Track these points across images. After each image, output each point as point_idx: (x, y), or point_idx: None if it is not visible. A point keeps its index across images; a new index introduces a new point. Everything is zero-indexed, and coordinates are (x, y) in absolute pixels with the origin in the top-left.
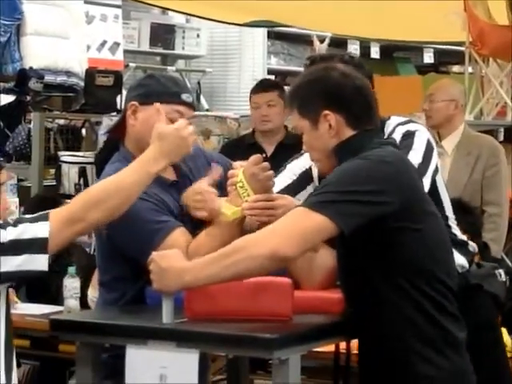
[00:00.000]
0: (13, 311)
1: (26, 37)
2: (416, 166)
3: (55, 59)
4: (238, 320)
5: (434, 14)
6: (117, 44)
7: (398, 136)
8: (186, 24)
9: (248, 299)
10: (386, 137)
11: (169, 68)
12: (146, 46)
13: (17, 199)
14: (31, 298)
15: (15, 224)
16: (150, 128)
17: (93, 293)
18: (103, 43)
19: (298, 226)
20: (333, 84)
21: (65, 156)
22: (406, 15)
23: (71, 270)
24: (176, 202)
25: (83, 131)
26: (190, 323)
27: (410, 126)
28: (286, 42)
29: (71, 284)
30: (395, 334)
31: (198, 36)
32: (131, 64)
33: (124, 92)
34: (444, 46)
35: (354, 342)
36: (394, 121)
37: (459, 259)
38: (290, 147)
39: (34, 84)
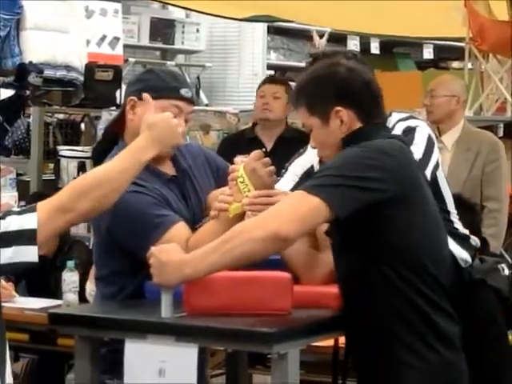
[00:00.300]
0: (11, 305)
1: (26, 31)
2: (417, 161)
3: (55, 54)
4: (237, 314)
5: (434, 10)
6: (116, 39)
7: (398, 132)
8: (186, 19)
9: (247, 293)
10: None
11: (168, 63)
12: (145, 41)
13: (16, 193)
14: (31, 292)
15: (3, 217)
16: None
17: (91, 287)
18: (103, 38)
19: (296, 208)
20: (341, 80)
21: (64, 150)
22: (405, 11)
23: (70, 263)
24: (175, 197)
25: (82, 126)
26: (189, 317)
27: (411, 122)
28: (285, 37)
29: (70, 278)
30: (383, 323)
31: (197, 31)
32: (131, 59)
33: (123, 87)
34: (444, 42)
35: None
36: (395, 117)
37: (462, 253)
38: (289, 141)
39: (33, 78)
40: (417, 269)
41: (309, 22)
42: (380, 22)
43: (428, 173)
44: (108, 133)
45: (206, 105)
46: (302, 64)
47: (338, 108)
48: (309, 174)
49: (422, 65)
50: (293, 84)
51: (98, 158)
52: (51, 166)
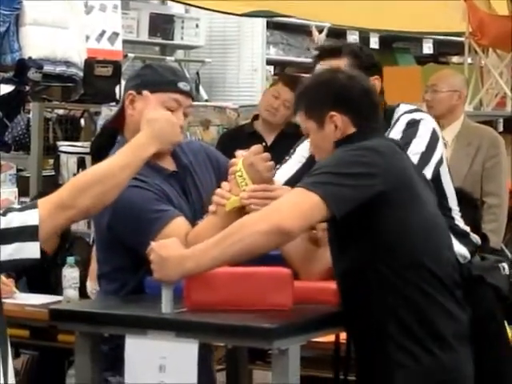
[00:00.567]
0: (12, 301)
1: (25, 27)
2: (419, 154)
3: (54, 49)
4: (238, 310)
5: (434, 4)
6: (116, 34)
7: (402, 124)
8: (185, 14)
9: (248, 289)
10: (391, 124)
11: (168, 58)
12: (144, 36)
13: (16, 189)
14: (31, 289)
15: (4, 213)
16: None
17: (92, 285)
18: (102, 33)
19: (298, 204)
20: (339, 86)
21: (64, 146)
22: (405, 5)
23: (70, 260)
24: (176, 192)
25: (82, 121)
26: (190, 313)
27: (416, 115)
28: (284, 33)
29: (70, 274)
30: (378, 322)
31: (197, 26)
32: (130, 54)
33: (123, 82)
34: (443, 37)
35: None
36: (402, 108)
37: (460, 249)
38: (290, 136)
39: (33, 74)
40: (413, 267)
41: (308, 17)
42: (379, 17)
43: (430, 168)
44: (107, 128)
45: (206, 100)
46: (302, 59)
47: (333, 113)
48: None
49: (422, 60)
50: None
51: (97, 152)
52: (51, 161)
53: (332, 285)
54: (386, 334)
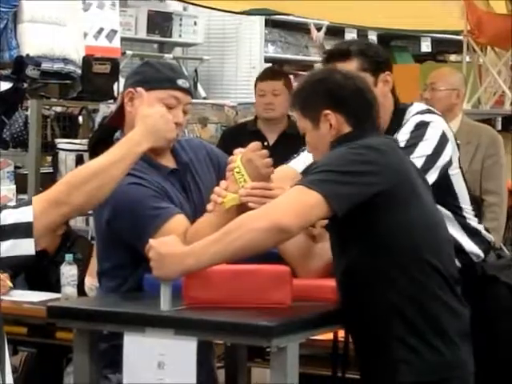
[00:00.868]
0: (10, 298)
1: (23, 24)
2: (424, 157)
3: (52, 46)
4: (237, 307)
5: (432, 3)
6: (114, 31)
7: (411, 125)
8: (184, 12)
9: (246, 286)
10: (402, 124)
11: (166, 56)
12: (143, 34)
13: (14, 186)
14: (31, 287)
15: None
16: None
17: (90, 281)
18: (100, 31)
19: (298, 202)
20: (334, 84)
21: (62, 143)
22: (403, 4)
23: (68, 257)
24: (176, 190)
25: (80, 119)
26: (188, 310)
27: (426, 117)
28: (283, 30)
29: (69, 271)
30: (380, 318)
31: (195, 24)
32: (128, 52)
33: (121, 79)
34: (441, 35)
35: None
36: (414, 108)
37: (472, 248)
38: (292, 137)
39: (30, 71)
40: (415, 263)
41: (306, 15)
42: (377, 15)
43: (435, 171)
44: (105, 125)
45: (204, 98)
46: (300, 57)
47: (327, 111)
48: None
49: (420, 58)
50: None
51: (94, 149)
52: (49, 158)
53: (330, 282)
54: (390, 330)
